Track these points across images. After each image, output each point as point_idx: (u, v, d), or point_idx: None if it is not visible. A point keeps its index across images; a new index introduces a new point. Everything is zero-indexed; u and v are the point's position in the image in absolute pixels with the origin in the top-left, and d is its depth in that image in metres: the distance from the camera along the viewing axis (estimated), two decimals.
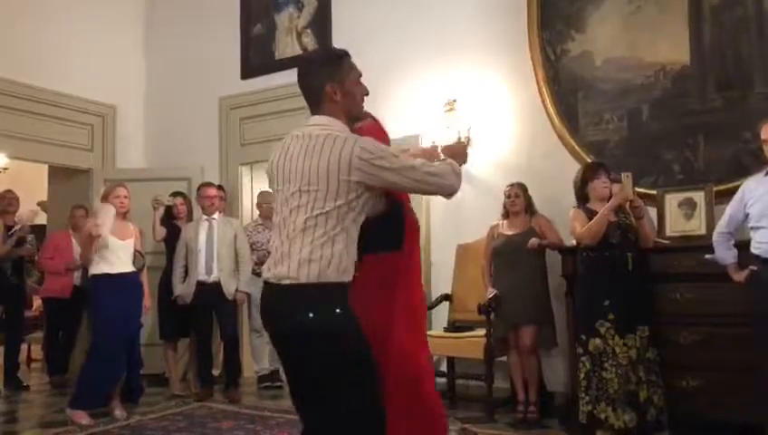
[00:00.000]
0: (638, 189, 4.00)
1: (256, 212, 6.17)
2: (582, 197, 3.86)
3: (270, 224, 5.53)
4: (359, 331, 1.83)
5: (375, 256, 2.14)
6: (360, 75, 2.04)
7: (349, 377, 1.79)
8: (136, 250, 4.57)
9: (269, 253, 5.99)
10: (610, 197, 3.74)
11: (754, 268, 3.27)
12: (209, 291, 5.01)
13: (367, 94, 2.05)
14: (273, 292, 1.87)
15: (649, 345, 3.56)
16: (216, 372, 5.34)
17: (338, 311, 1.80)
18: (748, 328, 3.27)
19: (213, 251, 5.07)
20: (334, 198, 1.82)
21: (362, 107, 2.07)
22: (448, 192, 1.96)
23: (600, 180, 3.78)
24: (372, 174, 1.82)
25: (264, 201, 5.59)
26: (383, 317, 2.13)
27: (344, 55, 2.03)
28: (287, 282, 1.81)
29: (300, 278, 1.79)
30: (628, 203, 3.72)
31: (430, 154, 2.21)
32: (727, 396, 3.45)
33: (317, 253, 1.80)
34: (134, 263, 4.52)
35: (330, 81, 1.96)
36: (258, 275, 5.34)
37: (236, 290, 5.10)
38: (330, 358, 1.79)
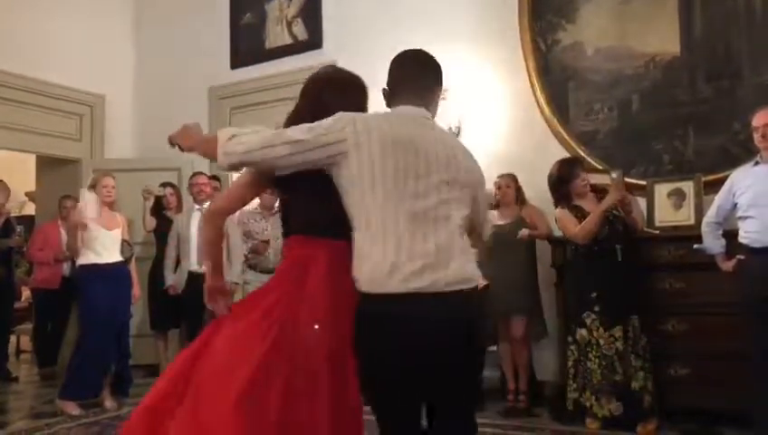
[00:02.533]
0: (627, 180, 4.02)
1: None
2: (563, 195, 3.86)
3: (268, 214, 5.50)
4: None
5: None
6: None
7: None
8: (123, 240, 4.55)
9: (264, 242, 5.86)
10: (593, 189, 3.79)
11: (742, 257, 3.29)
12: (201, 281, 4.97)
13: None
14: (458, 300, 1.64)
15: (642, 333, 3.60)
16: None
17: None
18: (736, 317, 3.29)
19: None
20: (469, 206, 1.77)
21: None
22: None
23: (579, 178, 3.81)
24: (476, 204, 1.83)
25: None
26: None
27: None
28: (469, 286, 1.66)
29: (475, 279, 1.69)
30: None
31: None
32: (715, 384, 3.49)
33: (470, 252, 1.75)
34: (122, 253, 4.51)
35: (439, 86, 1.90)
36: (252, 266, 5.32)
37: (227, 281, 5.09)
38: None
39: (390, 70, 1.88)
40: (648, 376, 3.55)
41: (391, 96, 1.85)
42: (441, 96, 1.92)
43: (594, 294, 3.62)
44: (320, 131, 1.66)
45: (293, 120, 1.81)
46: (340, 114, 1.69)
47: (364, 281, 1.63)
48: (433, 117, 1.85)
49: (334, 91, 1.85)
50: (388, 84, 1.87)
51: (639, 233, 3.82)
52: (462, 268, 1.65)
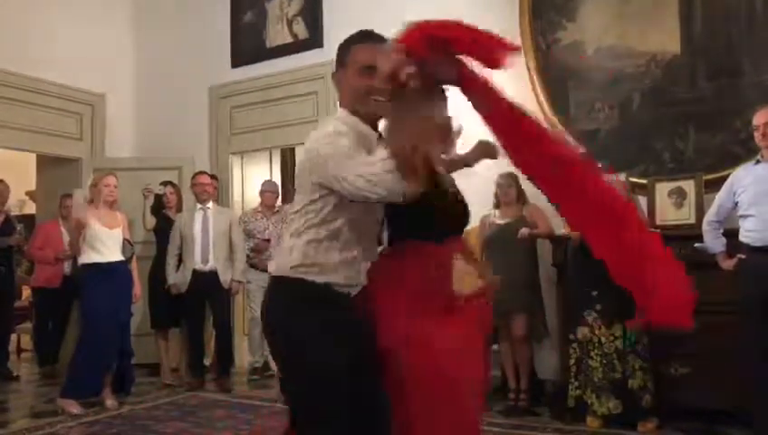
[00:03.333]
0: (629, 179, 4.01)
1: (247, 202, 6.16)
2: None
3: (269, 213, 5.52)
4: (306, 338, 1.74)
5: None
6: (366, 65, 1.76)
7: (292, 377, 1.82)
8: (124, 239, 4.55)
9: (265, 241, 5.88)
10: None
11: (743, 256, 3.29)
12: (205, 280, 5.01)
13: (377, 93, 1.74)
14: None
15: (643, 333, 3.59)
16: (207, 362, 5.34)
17: (283, 308, 1.79)
18: (737, 316, 3.29)
19: (209, 240, 5.07)
20: (304, 196, 1.77)
21: (366, 103, 1.76)
22: (389, 199, 1.64)
23: None
24: (325, 178, 1.67)
25: (267, 189, 5.56)
26: None
27: (355, 41, 1.82)
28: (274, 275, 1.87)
29: (279, 271, 1.82)
30: None
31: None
32: (715, 383, 3.49)
33: (286, 246, 1.79)
34: (123, 252, 4.51)
35: (338, 67, 1.84)
36: (253, 265, 5.33)
37: (231, 279, 5.10)
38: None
39: None
40: (648, 376, 3.55)
41: None
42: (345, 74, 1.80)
43: (595, 293, 3.62)
44: None
45: None
46: None
47: None
48: (349, 107, 1.80)
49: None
50: None
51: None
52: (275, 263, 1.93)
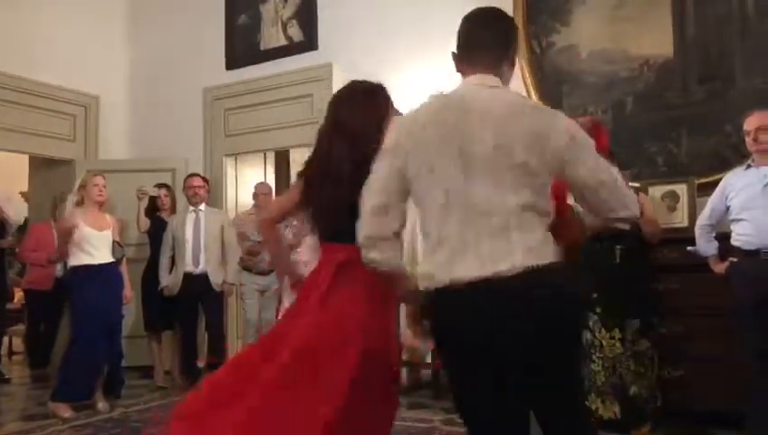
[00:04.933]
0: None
1: (240, 204, 6.14)
2: None
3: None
4: None
5: None
6: None
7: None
8: (114, 241, 4.53)
9: (259, 243, 5.79)
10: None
11: (735, 260, 3.31)
12: (196, 282, 5.00)
13: None
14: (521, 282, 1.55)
15: (641, 338, 3.57)
16: (200, 364, 5.31)
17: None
18: (729, 319, 3.30)
19: (200, 242, 5.05)
20: (546, 177, 1.60)
21: None
22: (633, 220, 1.73)
23: None
24: (570, 161, 1.58)
25: (261, 191, 5.54)
26: None
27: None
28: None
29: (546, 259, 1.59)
30: None
31: None
32: (708, 386, 3.49)
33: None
34: (113, 253, 4.49)
35: (515, 43, 1.77)
36: (247, 268, 5.31)
37: (223, 281, 5.09)
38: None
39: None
40: (644, 382, 3.53)
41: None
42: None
43: (594, 295, 3.60)
44: None
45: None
46: None
47: None
48: None
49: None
50: None
51: (656, 236, 3.71)
52: None
